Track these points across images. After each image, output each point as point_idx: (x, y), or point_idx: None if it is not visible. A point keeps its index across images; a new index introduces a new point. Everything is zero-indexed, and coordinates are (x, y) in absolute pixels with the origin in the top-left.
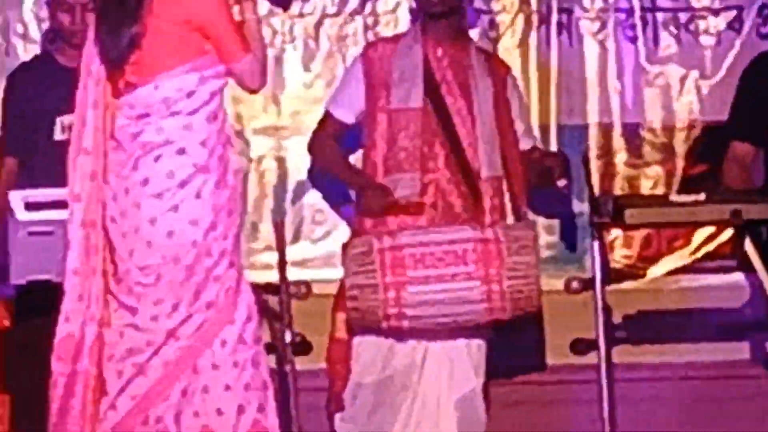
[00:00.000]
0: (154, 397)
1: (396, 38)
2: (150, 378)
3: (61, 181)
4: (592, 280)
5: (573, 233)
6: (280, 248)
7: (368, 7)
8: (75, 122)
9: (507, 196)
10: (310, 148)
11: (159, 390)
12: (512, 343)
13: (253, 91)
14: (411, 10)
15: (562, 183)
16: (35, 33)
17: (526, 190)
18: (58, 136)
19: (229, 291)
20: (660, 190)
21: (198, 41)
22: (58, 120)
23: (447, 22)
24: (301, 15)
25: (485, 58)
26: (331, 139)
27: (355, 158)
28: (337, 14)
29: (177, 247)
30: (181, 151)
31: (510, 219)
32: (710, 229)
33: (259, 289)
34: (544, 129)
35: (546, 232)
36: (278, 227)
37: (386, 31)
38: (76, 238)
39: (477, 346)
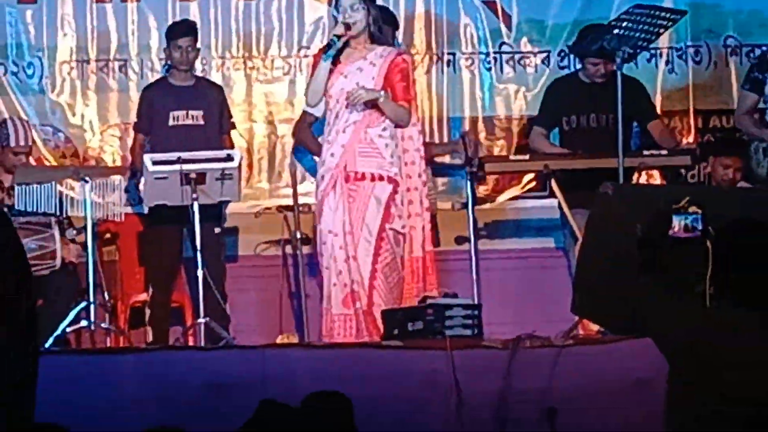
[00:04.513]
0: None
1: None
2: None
3: (170, 149)
4: (467, 203)
5: None
6: (293, 185)
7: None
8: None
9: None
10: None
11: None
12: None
13: None
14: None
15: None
16: (158, 65)
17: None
18: (171, 123)
19: None
20: (504, 153)
21: None
22: (171, 113)
23: None
24: (305, 55)
25: None
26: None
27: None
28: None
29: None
30: None
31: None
32: (531, 175)
33: (281, 209)
34: (440, 120)
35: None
36: (293, 173)
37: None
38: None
39: None
